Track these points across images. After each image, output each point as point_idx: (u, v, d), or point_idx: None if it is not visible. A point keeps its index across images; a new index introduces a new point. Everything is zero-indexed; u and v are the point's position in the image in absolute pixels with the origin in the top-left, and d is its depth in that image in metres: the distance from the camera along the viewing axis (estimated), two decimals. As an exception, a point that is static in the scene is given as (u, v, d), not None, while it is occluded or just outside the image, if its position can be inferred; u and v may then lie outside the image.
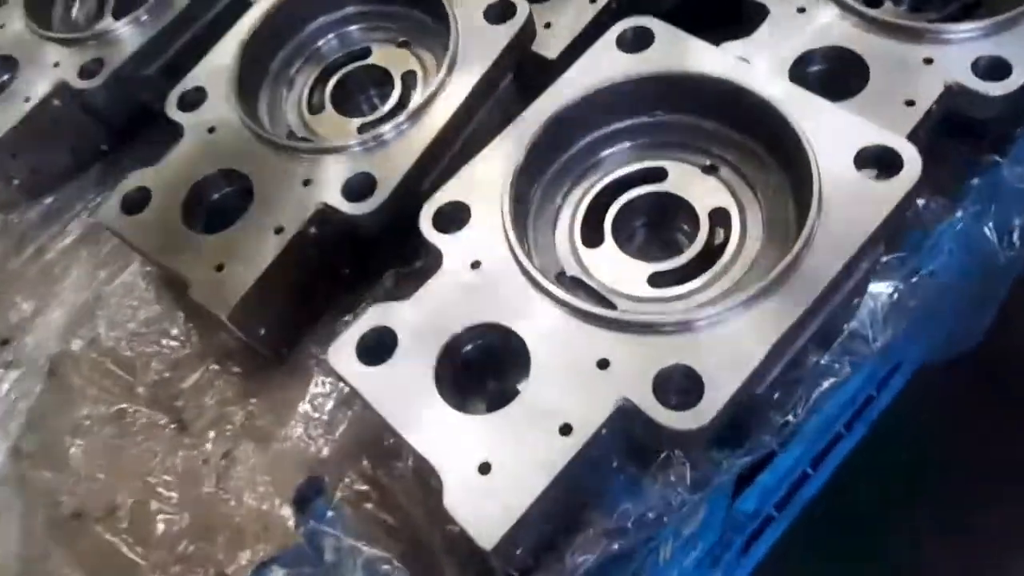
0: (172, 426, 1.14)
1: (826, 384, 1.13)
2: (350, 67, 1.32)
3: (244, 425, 1.11)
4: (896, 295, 1.17)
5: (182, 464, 1.10)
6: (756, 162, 1.06)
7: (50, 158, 1.46)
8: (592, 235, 1.07)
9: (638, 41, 1.10)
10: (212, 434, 1.11)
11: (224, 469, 1.07)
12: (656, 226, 1.11)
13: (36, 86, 1.38)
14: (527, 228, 1.06)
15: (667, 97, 1.09)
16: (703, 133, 1.10)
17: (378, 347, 0.94)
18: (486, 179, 1.03)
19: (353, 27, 1.37)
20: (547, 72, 1.16)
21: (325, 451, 1.07)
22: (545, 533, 0.94)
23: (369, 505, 1.03)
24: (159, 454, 1.12)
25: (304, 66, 1.35)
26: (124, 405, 1.17)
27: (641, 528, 0.96)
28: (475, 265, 0.98)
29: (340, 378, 0.94)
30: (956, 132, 1.20)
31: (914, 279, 1.18)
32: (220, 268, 1.09)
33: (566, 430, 0.85)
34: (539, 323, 0.92)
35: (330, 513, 1.01)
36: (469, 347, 0.95)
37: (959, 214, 1.24)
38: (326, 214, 1.11)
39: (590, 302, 0.92)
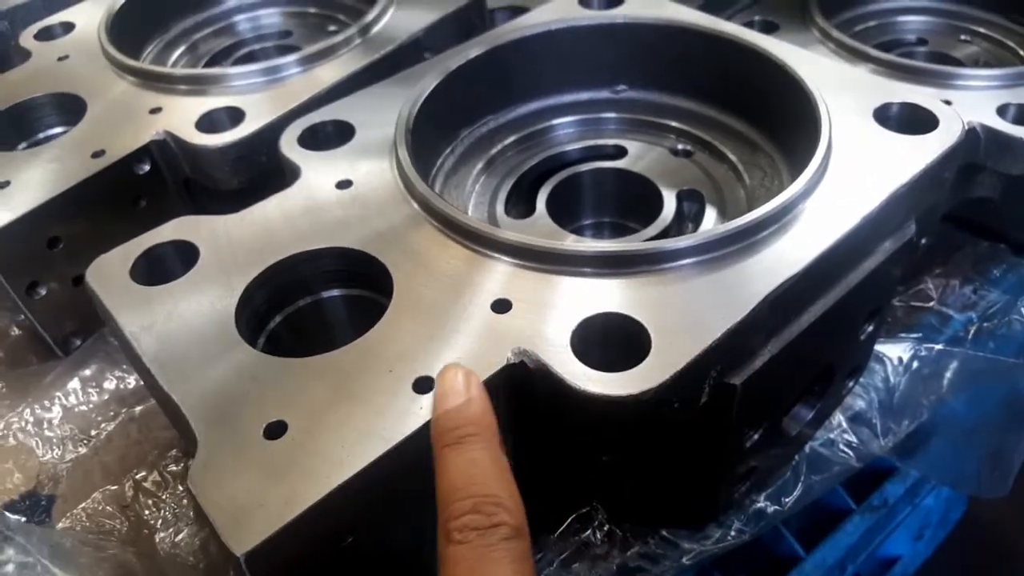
0: None
1: (820, 476, 0.80)
2: (261, 45, 1.11)
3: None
4: (915, 363, 0.87)
5: None
6: (741, 142, 0.82)
7: None
8: (519, 206, 0.79)
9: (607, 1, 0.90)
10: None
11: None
12: (607, 212, 0.83)
13: None
14: (432, 180, 0.78)
15: (632, 63, 0.86)
16: (674, 112, 0.86)
17: (170, 266, 0.62)
18: (382, 103, 0.77)
19: (275, 10, 1.16)
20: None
21: (67, 459, 0.69)
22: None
23: (112, 549, 0.64)
24: None
25: (211, 37, 1.13)
26: None
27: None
28: (343, 185, 0.68)
29: (98, 305, 0.60)
30: (968, 226, 1.04)
31: (934, 348, 0.89)
32: (3, 186, 0.78)
33: (424, 386, 0.51)
34: (417, 251, 0.61)
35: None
36: (309, 281, 0.63)
37: (982, 301, 1.00)
38: (169, 149, 0.83)
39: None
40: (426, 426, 0.49)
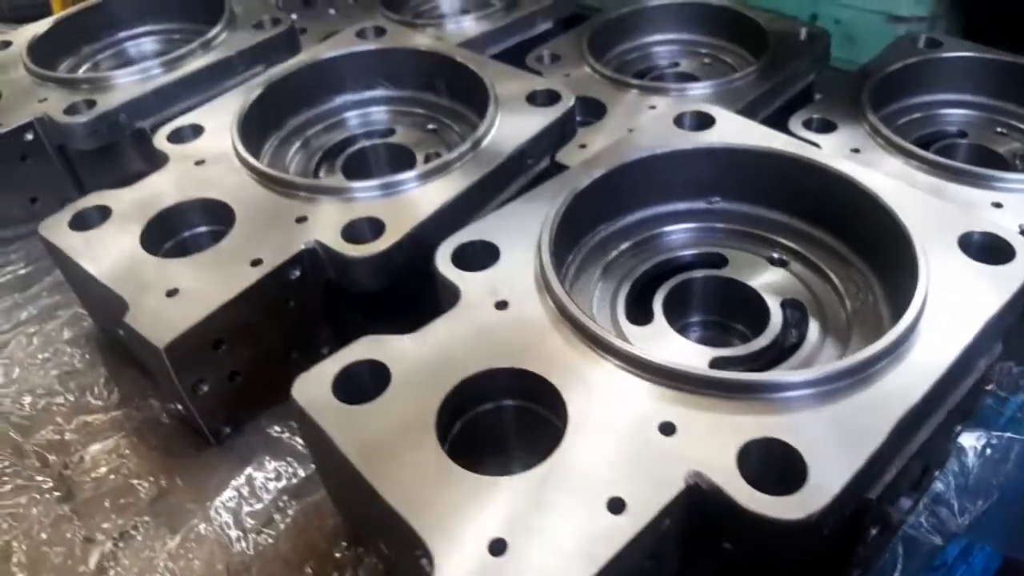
0: (55, 493, 0.84)
1: (913, 557, 0.89)
2: (370, 142, 1.20)
3: (152, 503, 0.82)
4: (987, 450, 0.97)
5: (52, 536, 0.79)
6: (833, 256, 0.91)
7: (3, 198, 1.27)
8: (637, 312, 0.89)
9: (698, 122, 1.00)
10: (105, 508, 0.82)
11: (112, 553, 0.76)
12: (713, 313, 0.93)
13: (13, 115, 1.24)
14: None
15: (727, 180, 0.96)
16: (767, 223, 0.96)
17: (364, 384, 0.71)
18: (519, 223, 0.86)
19: (383, 108, 1.26)
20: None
21: (253, 550, 0.77)
22: None
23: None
24: (26, 521, 0.81)
25: (322, 133, 1.22)
26: (-4, 462, 0.88)
27: None
28: (501, 306, 0.77)
29: (303, 421, 0.69)
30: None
31: (1003, 436, 0.99)
32: (172, 294, 0.87)
33: (617, 506, 0.60)
34: (580, 373, 0.70)
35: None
36: (485, 395, 0.72)
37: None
38: (317, 256, 0.92)
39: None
40: (628, 547, 0.57)
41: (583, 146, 1.19)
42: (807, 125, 1.22)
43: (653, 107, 1.32)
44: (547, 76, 1.39)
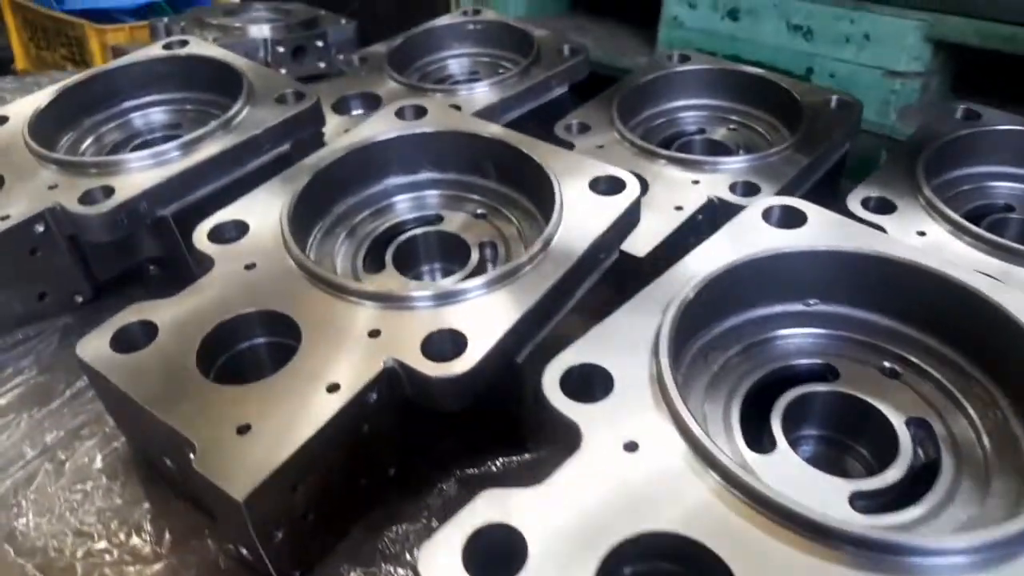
0: (113, 672, 0.73)
1: None
2: (420, 230, 1.12)
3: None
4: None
5: None
6: (948, 366, 0.86)
7: (9, 295, 1.15)
8: (753, 437, 0.82)
9: (788, 218, 0.95)
10: None
11: None
12: (829, 430, 0.87)
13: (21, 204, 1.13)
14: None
15: (828, 282, 0.91)
16: (873, 329, 0.91)
17: (496, 552, 0.62)
18: (624, 341, 0.79)
19: (429, 192, 1.18)
20: (634, 272, 1.05)
21: None
22: None
23: None
24: None
25: (368, 220, 1.14)
26: (39, 634, 0.77)
27: None
28: (631, 448, 0.70)
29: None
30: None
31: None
32: (244, 431, 0.77)
33: None
34: (742, 535, 0.63)
35: None
36: (636, 559, 0.64)
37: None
38: (396, 376, 0.84)
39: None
40: None
41: (633, 226, 1.13)
42: (865, 205, 1.18)
43: (696, 182, 1.28)
44: (579, 148, 1.35)
